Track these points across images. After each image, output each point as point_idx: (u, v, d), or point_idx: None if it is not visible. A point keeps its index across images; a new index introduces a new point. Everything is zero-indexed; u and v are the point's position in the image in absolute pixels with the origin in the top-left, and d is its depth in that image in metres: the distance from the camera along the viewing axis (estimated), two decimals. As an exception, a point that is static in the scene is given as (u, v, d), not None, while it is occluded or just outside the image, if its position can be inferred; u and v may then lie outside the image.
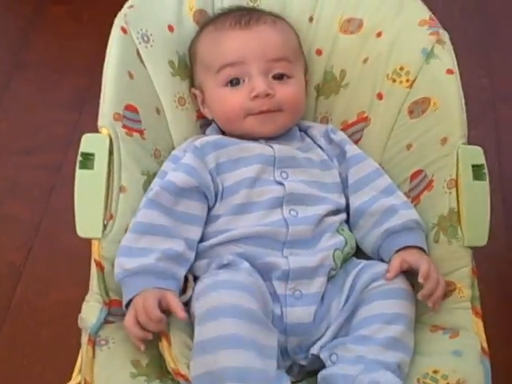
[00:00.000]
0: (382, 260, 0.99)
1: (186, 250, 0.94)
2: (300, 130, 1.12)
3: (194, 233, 0.97)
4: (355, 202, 1.03)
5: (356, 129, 1.14)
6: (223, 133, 1.09)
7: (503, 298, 1.27)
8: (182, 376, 0.86)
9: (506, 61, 1.63)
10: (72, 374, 0.95)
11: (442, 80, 1.06)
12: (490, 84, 1.57)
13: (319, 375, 0.89)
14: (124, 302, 0.91)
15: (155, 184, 1.00)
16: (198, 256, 0.97)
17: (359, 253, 1.03)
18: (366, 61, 1.14)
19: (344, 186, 1.06)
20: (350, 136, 1.13)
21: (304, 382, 0.94)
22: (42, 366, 1.21)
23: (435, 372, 0.88)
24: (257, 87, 1.03)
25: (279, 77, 1.06)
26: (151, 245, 0.92)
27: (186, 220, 0.97)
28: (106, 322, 0.92)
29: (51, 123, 1.58)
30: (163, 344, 0.89)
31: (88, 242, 0.95)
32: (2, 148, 1.55)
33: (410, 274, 0.96)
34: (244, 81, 1.05)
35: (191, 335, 0.88)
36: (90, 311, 0.92)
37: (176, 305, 0.87)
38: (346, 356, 0.88)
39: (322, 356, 0.90)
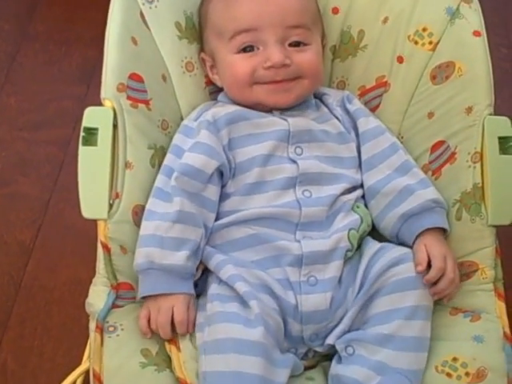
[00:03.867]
0: (402, 244, 0.95)
1: (202, 240, 0.91)
2: (315, 97, 1.06)
3: (210, 219, 0.94)
4: (369, 180, 0.98)
5: (374, 94, 1.07)
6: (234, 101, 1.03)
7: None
8: None
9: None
10: (83, 355, 0.93)
11: (469, 43, 0.99)
12: (509, 53, 1.49)
13: (331, 369, 0.87)
14: (143, 293, 0.89)
15: (172, 161, 0.95)
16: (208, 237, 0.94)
17: (374, 232, 0.99)
18: (385, 20, 1.06)
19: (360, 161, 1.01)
20: (368, 102, 1.07)
21: (319, 366, 0.91)
22: (53, 346, 1.19)
23: (455, 360, 0.85)
24: (272, 57, 0.96)
25: (296, 44, 0.99)
26: (182, 235, 0.89)
27: (205, 205, 0.93)
28: (114, 306, 0.89)
29: (59, 97, 1.54)
30: (171, 348, 0.87)
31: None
32: (11, 123, 1.51)
33: None
34: (259, 48, 0.98)
35: None
36: (98, 295, 0.89)
37: (192, 318, 0.88)
38: (364, 356, 0.85)
39: (338, 347, 0.87)
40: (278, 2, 0.98)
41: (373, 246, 0.93)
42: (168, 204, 0.91)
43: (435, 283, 0.90)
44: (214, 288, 0.90)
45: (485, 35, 0.98)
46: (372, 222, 0.98)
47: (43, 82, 1.58)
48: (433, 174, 0.99)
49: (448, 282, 0.90)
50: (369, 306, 0.89)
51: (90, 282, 0.92)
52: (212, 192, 0.94)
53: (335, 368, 0.86)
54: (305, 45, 0.99)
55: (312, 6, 1.03)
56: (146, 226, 0.90)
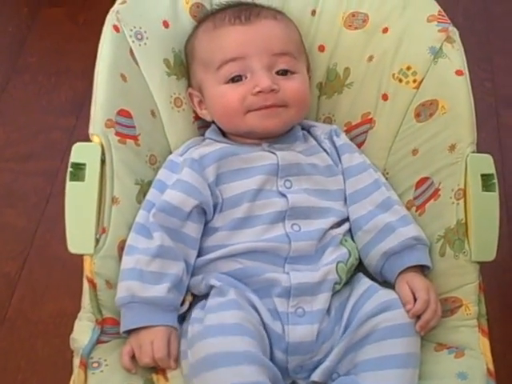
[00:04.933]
0: (385, 280, 0.96)
1: (183, 275, 0.92)
2: (303, 129, 1.07)
3: (191, 256, 0.94)
4: (352, 215, 1.00)
5: (360, 131, 1.09)
6: (223, 134, 1.05)
7: (507, 308, 1.24)
8: None
9: (508, 63, 1.58)
10: (67, 389, 0.93)
11: (451, 81, 1.00)
12: (493, 88, 1.52)
13: None
14: (124, 327, 0.89)
15: (153, 196, 0.96)
16: (193, 271, 0.94)
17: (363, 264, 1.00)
18: (371, 59, 1.08)
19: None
20: (353, 138, 1.09)
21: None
22: (37, 381, 1.18)
23: (440, 398, 0.86)
24: (261, 82, 0.98)
25: (283, 73, 1.00)
26: (162, 269, 0.90)
27: (184, 241, 0.93)
28: (99, 341, 0.89)
29: (48, 128, 1.55)
30: (159, 378, 0.86)
31: (83, 253, 0.92)
32: (-1, 154, 1.52)
33: None
34: (246, 77, 1.00)
35: None
36: (82, 331, 0.89)
37: (175, 353, 0.88)
38: None
39: None
40: (263, 30, 1.00)
41: (362, 284, 0.94)
42: (148, 239, 0.91)
43: (419, 316, 0.90)
44: (196, 312, 0.90)
45: (467, 74, 1.00)
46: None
47: (32, 113, 1.58)
48: (417, 210, 1.00)
49: (432, 312, 0.90)
50: (358, 350, 0.88)
51: (76, 314, 0.91)
52: (192, 229, 0.94)
53: None
54: (292, 73, 1.01)
55: (296, 36, 1.05)
56: (127, 261, 0.91)
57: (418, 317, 0.90)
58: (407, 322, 0.89)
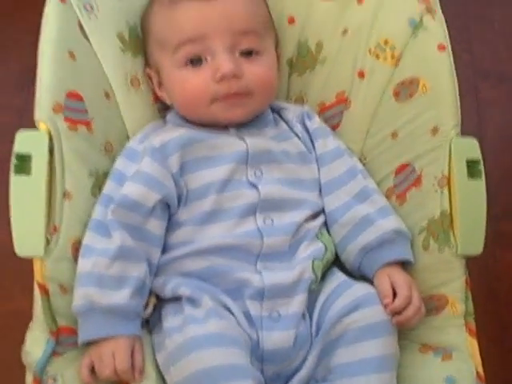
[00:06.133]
0: (364, 277, 0.89)
1: (146, 277, 0.84)
2: (273, 111, 0.98)
3: (154, 254, 0.86)
4: (327, 206, 0.92)
5: (334, 111, 1.01)
6: (185, 119, 0.95)
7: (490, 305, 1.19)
8: None
9: (486, 33, 1.50)
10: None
11: (433, 57, 0.92)
12: (471, 59, 1.45)
13: None
14: (83, 338, 0.81)
15: (111, 189, 0.87)
16: (157, 270, 0.86)
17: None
18: (345, 32, 0.99)
19: None
20: (327, 120, 1.01)
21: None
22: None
23: (428, 404, 0.80)
24: (222, 67, 0.89)
25: (247, 53, 0.91)
26: (123, 273, 0.82)
27: (146, 239, 0.85)
28: (54, 353, 0.81)
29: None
30: None
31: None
32: None
33: None
34: (206, 59, 0.90)
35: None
36: (35, 343, 0.81)
37: (139, 364, 0.80)
38: None
39: None
40: (224, 6, 0.90)
41: (335, 279, 0.87)
42: (107, 239, 0.83)
43: (398, 312, 0.84)
44: (170, 321, 0.82)
45: (449, 49, 0.92)
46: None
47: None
48: (397, 199, 0.93)
49: (415, 309, 0.84)
50: (332, 353, 0.82)
51: (32, 313, 0.82)
52: (155, 226, 0.86)
53: None
54: (257, 54, 0.92)
55: (262, 11, 0.95)
56: (84, 264, 0.82)
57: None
58: (382, 320, 0.83)
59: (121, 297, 0.81)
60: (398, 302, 0.84)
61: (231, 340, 0.78)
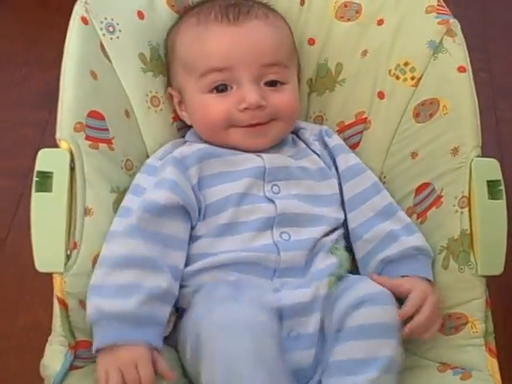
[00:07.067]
0: None
1: (171, 284, 0.82)
2: (292, 133, 0.99)
3: (179, 259, 0.85)
4: (351, 222, 0.92)
5: (354, 131, 1.01)
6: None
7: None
8: None
9: (506, 53, 1.51)
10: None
11: (453, 79, 0.93)
12: (490, 78, 1.45)
13: None
14: (96, 346, 0.79)
15: (130, 202, 0.87)
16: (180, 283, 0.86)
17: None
18: (365, 53, 1.00)
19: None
20: (347, 139, 1.01)
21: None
22: (9, 398, 1.09)
23: (447, 425, 0.79)
24: (247, 97, 0.90)
25: (272, 83, 0.92)
26: (135, 281, 0.80)
27: (171, 244, 0.85)
28: (72, 367, 0.81)
29: (19, 124, 1.43)
30: None
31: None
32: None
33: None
34: (232, 87, 0.91)
35: None
36: (54, 356, 0.81)
37: (164, 367, 0.78)
38: None
39: None
40: (253, 38, 0.91)
41: (344, 281, 0.87)
42: (121, 248, 0.82)
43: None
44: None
45: (470, 71, 0.93)
46: (355, 265, 0.92)
47: (1, 107, 1.47)
48: (418, 218, 0.92)
49: (429, 314, 0.83)
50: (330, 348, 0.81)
51: (51, 326, 0.82)
52: (178, 229, 0.86)
53: None
54: (282, 84, 0.93)
55: (288, 41, 0.96)
56: (96, 275, 0.82)
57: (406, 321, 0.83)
58: (376, 322, 0.81)
59: (128, 304, 0.79)
60: (409, 303, 0.83)
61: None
